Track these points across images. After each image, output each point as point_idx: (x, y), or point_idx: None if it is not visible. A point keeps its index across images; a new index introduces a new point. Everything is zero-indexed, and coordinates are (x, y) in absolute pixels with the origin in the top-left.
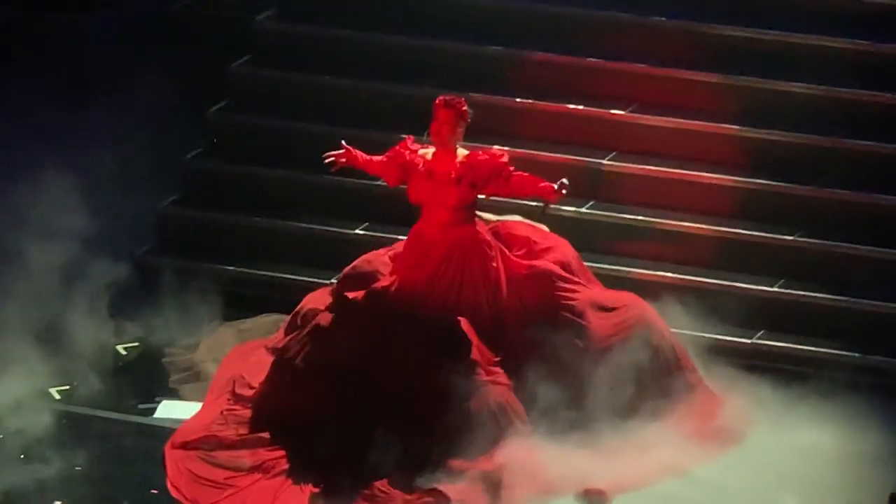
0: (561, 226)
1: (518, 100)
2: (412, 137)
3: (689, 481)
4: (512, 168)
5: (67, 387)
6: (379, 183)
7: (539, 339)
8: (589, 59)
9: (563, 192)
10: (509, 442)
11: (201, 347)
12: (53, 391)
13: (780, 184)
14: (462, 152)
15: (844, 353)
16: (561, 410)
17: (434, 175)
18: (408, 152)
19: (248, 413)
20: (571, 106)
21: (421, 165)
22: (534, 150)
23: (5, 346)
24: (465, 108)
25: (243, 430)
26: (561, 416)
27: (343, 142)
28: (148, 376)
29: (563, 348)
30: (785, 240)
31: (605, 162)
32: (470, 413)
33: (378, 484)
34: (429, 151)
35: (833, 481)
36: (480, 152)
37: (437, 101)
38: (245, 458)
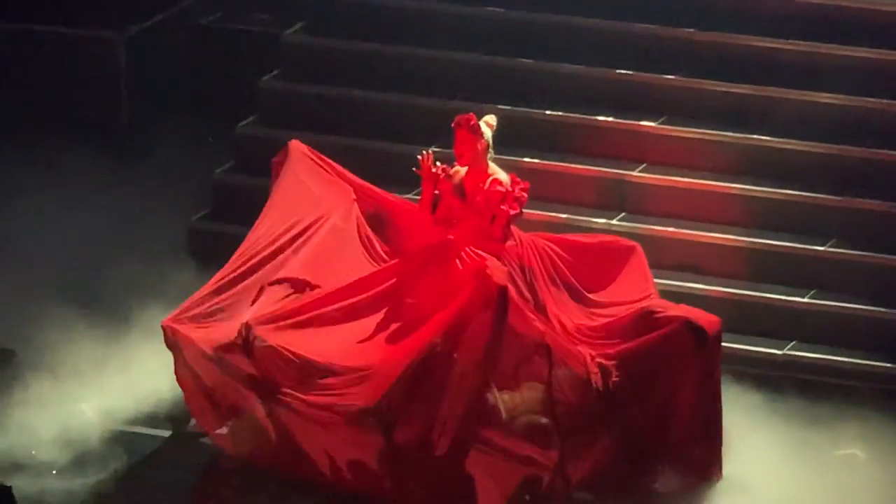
0: None
1: (547, 112)
2: (431, 154)
3: (723, 493)
4: (509, 209)
5: (105, 405)
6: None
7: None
8: (618, 71)
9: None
10: None
11: None
12: (85, 407)
13: (811, 194)
14: (495, 169)
15: (877, 363)
16: None
17: (467, 197)
18: (440, 171)
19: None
20: (601, 118)
21: (455, 182)
22: (563, 162)
23: (56, 371)
24: (473, 121)
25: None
26: None
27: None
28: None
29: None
30: (816, 250)
31: (634, 174)
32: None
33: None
34: (462, 170)
35: (867, 494)
36: (499, 184)
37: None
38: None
